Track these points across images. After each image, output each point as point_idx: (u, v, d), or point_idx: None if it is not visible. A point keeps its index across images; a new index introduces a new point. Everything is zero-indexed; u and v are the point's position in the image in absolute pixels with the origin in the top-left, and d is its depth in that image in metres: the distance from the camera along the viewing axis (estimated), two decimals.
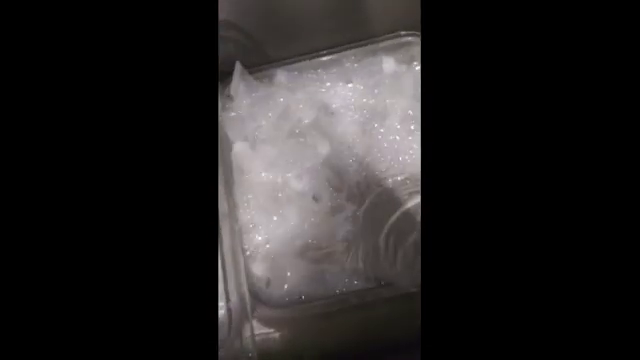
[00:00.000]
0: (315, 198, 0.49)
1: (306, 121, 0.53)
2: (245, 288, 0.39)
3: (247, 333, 0.38)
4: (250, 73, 0.57)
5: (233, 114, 0.52)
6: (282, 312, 0.44)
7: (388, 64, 0.55)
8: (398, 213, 0.48)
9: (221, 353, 0.37)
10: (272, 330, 0.42)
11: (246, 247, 0.47)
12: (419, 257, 0.43)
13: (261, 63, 0.58)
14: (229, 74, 0.54)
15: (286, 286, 0.46)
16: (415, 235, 0.46)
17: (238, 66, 0.52)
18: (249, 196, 0.50)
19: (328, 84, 0.56)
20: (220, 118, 0.49)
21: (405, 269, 0.46)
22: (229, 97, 0.53)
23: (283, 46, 0.57)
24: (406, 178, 0.50)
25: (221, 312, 0.46)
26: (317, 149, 0.51)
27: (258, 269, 0.47)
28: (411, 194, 0.49)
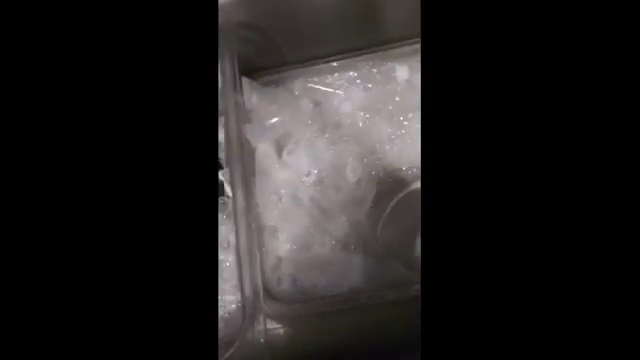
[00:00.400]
0: (336, 190, 0.51)
1: (325, 125, 0.54)
2: (259, 282, 0.40)
3: (260, 326, 0.39)
4: (268, 75, 0.58)
5: (255, 123, 0.53)
6: (291, 308, 0.45)
7: (403, 71, 0.56)
8: (395, 200, 0.49)
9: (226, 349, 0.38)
10: (279, 326, 0.43)
11: (262, 244, 0.48)
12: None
13: (279, 64, 0.59)
14: (248, 73, 0.55)
15: (297, 283, 0.48)
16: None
17: (246, 81, 0.53)
18: (271, 197, 0.51)
19: (345, 87, 0.57)
20: (244, 127, 0.49)
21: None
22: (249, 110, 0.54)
23: (300, 48, 0.57)
24: (408, 168, 0.51)
25: (233, 306, 0.48)
26: (336, 150, 0.53)
27: (272, 266, 0.48)
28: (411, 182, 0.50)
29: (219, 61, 0.53)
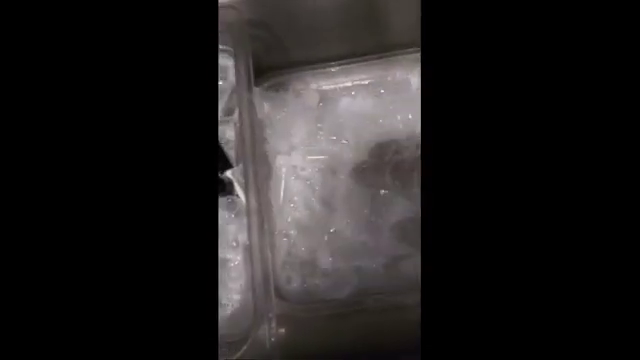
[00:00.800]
0: (349, 194, 0.51)
1: (337, 128, 0.54)
2: (271, 281, 0.40)
3: (272, 324, 0.39)
4: (277, 75, 0.58)
5: (268, 130, 0.54)
6: (299, 309, 0.45)
7: (415, 77, 0.56)
8: None
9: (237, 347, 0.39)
10: (285, 325, 0.43)
11: (274, 244, 0.48)
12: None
13: (287, 65, 0.58)
14: (256, 73, 0.54)
15: (306, 283, 0.48)
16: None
17: (256, 90, 0.52)
18: (283, 199, 0.51)
19: (354, 93, 0.57)
20: (258, 131, 0.49)
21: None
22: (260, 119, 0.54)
23: (309, 49, 0.57)
24: None
25: (240, 305, 0.47)
26: (347, 154, 0.53)
27: (281, 264, 0.48)
28: None
29: (234, 59, 0.53)
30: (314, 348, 0.43)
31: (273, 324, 0.39)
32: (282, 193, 0.51)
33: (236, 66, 0.50)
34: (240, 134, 0.47)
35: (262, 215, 0.44)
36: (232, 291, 0.48)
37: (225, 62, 0.56)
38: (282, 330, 0.42)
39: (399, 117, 0.54)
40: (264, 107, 0.52)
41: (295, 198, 0.51)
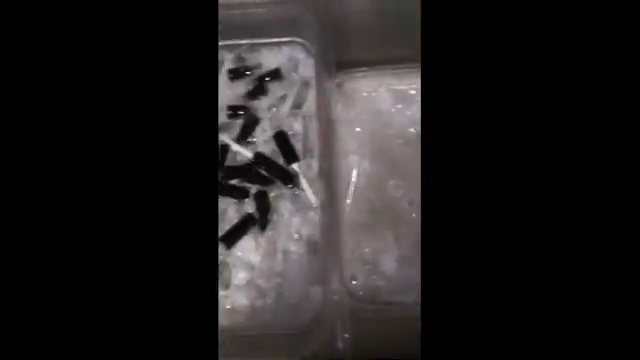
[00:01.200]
0: (409, 204, 0.51)
1: (409, 131, 0.54)
2: (344, 279, 0.41)
3: (345, 320, 0.39)
4: (350, 73, 0.57)
5: (339, 128, 0.54)
6: (364, 308, 0.45)
7: None
8: None
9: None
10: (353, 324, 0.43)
11: (340, 239, 0.48)
12: None
13: (360, 63, 0.58)
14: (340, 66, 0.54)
15: (368, 283, 0.48)
16: None
17: (333, 87, 0.53)
18: (349, 197, 0.52)
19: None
20: (330, 129, 0.50)
21: None
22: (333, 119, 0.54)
23: (381, 48, 0.56)
24: None
25: (297, 299, 0.48)
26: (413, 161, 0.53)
27: (348, 263, 0.48)
28: None
29: (306, 53, 0.54)
30: (379, 349, 0.43)
31: (347, 322, 0.39)
32: (349, 192, 0.51)
33: (315, 60, 0.50)
34: (318, 129, 0.47)
35: (333, 210, 0.44)
36: (293, 283, 0.48)
37: (297, 55, 0.56)
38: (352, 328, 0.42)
39: None
40: (338, 104, 0.52)
41: (362, 199, 0.51)
